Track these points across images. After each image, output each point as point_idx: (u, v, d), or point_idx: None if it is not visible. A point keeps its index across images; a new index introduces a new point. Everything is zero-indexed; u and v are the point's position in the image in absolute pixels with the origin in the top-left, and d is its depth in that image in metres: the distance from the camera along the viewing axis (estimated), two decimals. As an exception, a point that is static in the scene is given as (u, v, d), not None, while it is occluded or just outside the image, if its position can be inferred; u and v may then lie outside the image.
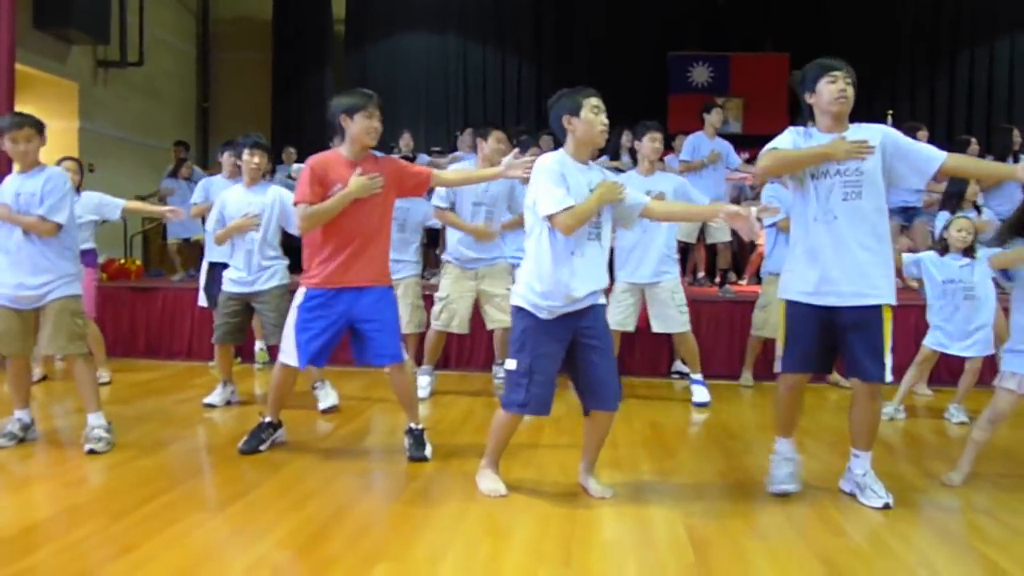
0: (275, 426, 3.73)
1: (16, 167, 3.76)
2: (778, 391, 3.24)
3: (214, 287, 5.65)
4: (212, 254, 5.52)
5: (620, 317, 4.85)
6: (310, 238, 3.51)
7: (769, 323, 5.25)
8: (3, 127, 3.63)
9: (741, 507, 3.04)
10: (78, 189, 5.25)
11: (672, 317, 4.86)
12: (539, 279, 2.94)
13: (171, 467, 3.46)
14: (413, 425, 3.65)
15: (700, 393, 4.93)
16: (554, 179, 2.89)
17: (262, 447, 3.63)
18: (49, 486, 3.20)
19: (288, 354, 3.55)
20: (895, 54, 11.11)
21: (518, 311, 3.02)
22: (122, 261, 7.92)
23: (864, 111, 11.09)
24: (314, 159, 3.49)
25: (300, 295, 3.53)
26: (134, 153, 10.43)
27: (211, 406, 4.62)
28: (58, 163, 5.57)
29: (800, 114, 3.21)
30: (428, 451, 3.60)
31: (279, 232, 4.61)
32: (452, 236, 4.94)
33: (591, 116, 2.94)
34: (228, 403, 4.68)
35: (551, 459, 3.60)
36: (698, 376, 4.98)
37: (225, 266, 4.70)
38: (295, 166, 8.54)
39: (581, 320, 2.97)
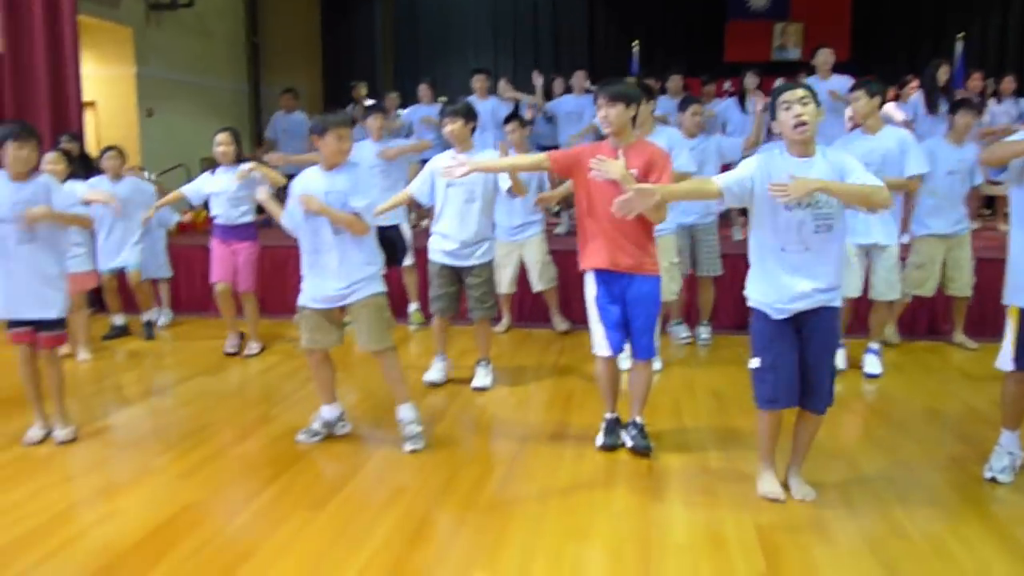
0: (618, 420, 3.80)
1: (324, 163, 3.68)
2: (1007, 387, 3.34)
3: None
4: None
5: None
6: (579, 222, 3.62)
7: (928, 284, 5.37)
8: (330, 122, 3.58)
9: (811, 508, 3.13)
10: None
11: (893, 283, 4.92)
12: (759, 278, 3.07)
13: (269, 456, 3.73)
14: (638, 419, 3.71)
15: (873, 364, 4.99)
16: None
17: (615, 441, 3.73)
18: (164, 480, 3.48)
19: (600, 345, 3.62)
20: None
21: (752, 311, 3.13)
22: (188, 215, 8.03)
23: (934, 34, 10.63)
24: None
25: (590, 281, 3.60)
26: (189, 94, 10.53)
27: (433, 384, 4.70)
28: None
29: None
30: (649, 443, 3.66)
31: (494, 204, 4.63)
32: None
33: (782, 115, 2.94)
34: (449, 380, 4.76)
35: (622, 452, 3.74)
36: (876, 345, 5.05)
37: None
38: (402, 112, 8.46)
39: (811, 320, 3.02)
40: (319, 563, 2.72)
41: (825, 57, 6.89)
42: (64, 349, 4.49)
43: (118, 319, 6.15)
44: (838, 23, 10.44)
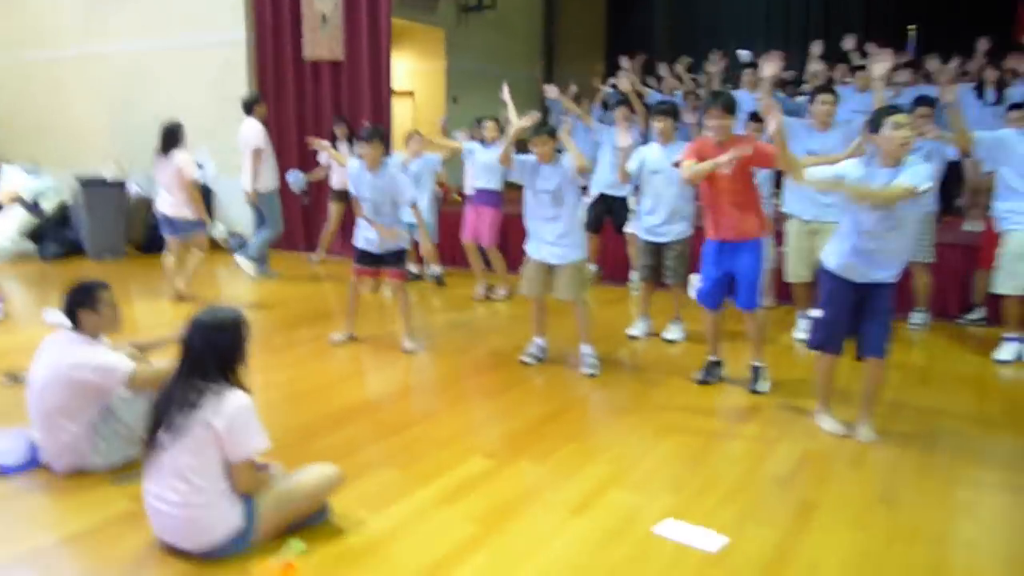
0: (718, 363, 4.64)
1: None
2: None
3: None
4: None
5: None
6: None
7: None
8: None
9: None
10: None
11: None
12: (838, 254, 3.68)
13: (489, 365, 4.99)
14: (755, 363, 4.48)
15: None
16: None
17: (710, 378, 4.58)
18: (394, 373, 4.92)
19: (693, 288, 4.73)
20: None
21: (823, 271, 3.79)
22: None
23: None
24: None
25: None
26: (489, 83, 12.10)
27: (634, 338, 5.56)
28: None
29: None
30: (764, 387, 4.41)
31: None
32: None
33: (890, 132, 3.41)
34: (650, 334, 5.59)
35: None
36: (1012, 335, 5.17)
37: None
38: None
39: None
40: (470, 430, 3.88)
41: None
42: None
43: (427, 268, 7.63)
44: None
